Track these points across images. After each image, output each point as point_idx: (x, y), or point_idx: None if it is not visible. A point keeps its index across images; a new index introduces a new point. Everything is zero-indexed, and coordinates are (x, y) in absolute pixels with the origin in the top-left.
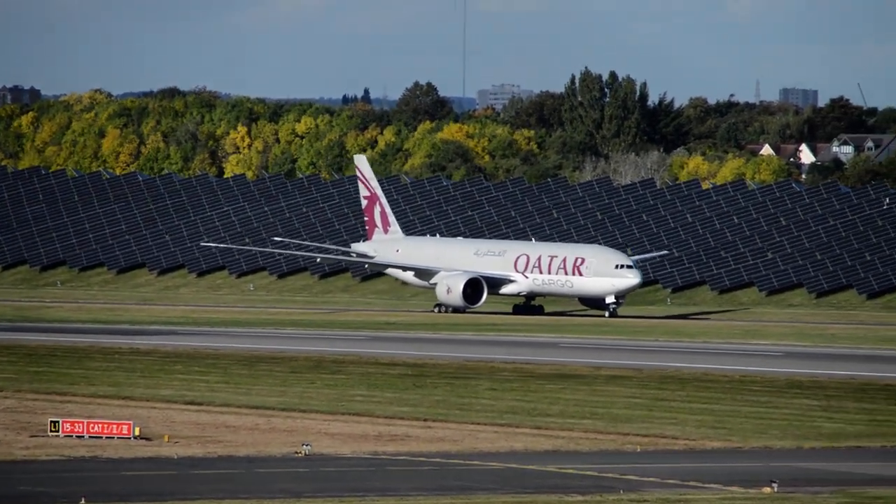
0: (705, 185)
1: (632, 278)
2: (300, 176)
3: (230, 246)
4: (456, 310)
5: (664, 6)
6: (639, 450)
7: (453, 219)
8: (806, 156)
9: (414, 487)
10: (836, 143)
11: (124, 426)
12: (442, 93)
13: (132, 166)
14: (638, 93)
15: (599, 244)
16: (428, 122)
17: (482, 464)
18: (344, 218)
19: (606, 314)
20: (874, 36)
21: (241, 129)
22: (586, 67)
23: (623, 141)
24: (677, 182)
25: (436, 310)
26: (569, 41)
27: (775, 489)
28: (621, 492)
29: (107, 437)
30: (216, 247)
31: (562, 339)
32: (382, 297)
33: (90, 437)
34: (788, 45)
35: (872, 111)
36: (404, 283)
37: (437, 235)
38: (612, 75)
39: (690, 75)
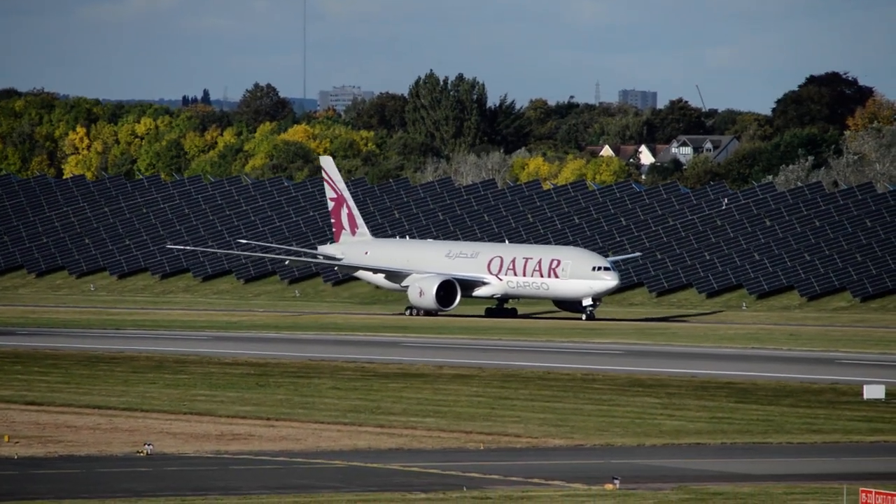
0: (546, 186)
1: (609, 280)
2: (140, 177)
3: (196, 248)
4: (428, 312)
5: (504, 9)
6: (482, 448)
7: (295, 219)
8: (645, 157)
9: (257, 486)
10: (675, 144)
11: None
12: (282, 94)
13: None
14: (476, 94)
15: (576, 246)
16: (268, 123)
17: (326, 462)
18: (185, 219)
19: (583, 317)
20: (712, 38)
21: (80, 130)
22: (431, 70)
23: (463, 142)
24: (518, 183)
25: (407, 312)
26: (410, 43)
27: (617, 486)
28: (464, 489)
29: None
30: (182, 249)
31: (404, 338)
32: (224, 297)
33: None
34: (627, 47)
35: (711, 113)
36: (377, 286)
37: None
38: (460, 77)
39: (531, 77)
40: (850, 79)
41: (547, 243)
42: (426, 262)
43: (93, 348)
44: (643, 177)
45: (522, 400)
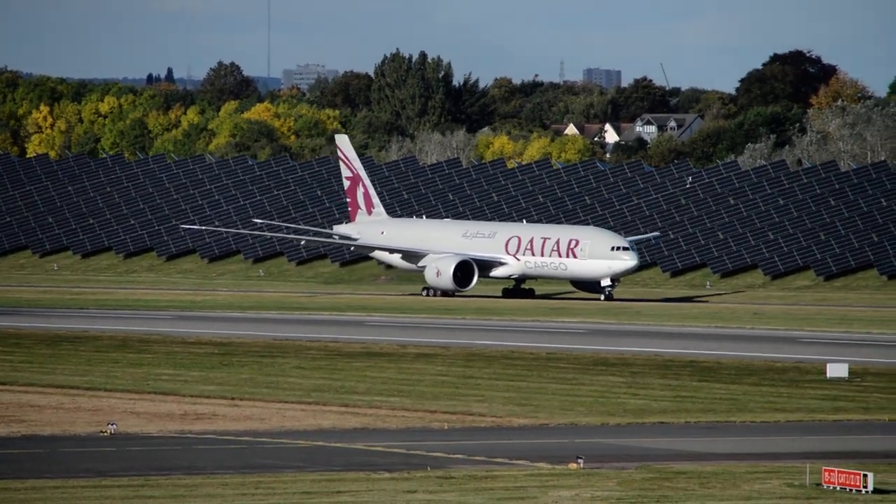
0: (511, 165)
1: (628, 260)
2: (103, 156)
3: (211, 228)
4: (445, 293)
5: None
6: (446, 427)
7: (259, 198)
8: (610, 135)
9: (221, 466)
10: (639, 122)
11: None
12: (246, 72)
13: None
14: (442, 73)
15: (594, 226)
16: (232, 101)
17: (290, 442)
18: (149, 198)
19: (602, 297)
20: (676, 16)
21: (44, 109)
22: (398, 49)
23: (428, 121)
24: (483, 161)
25: (424, 293)
26: (374, 21)
27: (581, 465)
28: (429, 469)
29: None
30: (197, 229)
31: (369, 317)
32: (188, 276)
33: None
34: (591, 25)
35: (675, 91)
36: (389, 265)
37: (241, 213)
38: (422, 55)
39: (495, 56)
40: (813, 57)
41: (511, 221)
42: (443, 242)
43: (56, 328)
44: (607, 155)
45: (486, 379)
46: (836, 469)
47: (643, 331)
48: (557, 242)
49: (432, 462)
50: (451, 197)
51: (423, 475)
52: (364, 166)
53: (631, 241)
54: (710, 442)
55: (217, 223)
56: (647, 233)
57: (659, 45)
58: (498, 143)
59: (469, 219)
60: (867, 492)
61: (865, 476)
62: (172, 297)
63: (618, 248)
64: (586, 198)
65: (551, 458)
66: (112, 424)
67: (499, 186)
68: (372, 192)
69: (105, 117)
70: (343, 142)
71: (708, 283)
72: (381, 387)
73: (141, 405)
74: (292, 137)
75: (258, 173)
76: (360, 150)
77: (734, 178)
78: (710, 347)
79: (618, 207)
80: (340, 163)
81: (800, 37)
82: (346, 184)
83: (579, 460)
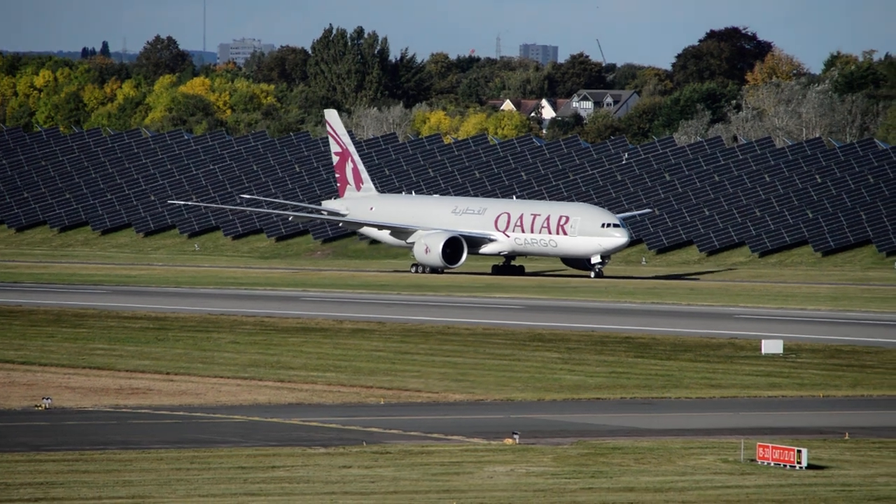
0: (447, 140)
1: (619, 237)
2: (38, 129)
3: (197, 203)
4: (434, 270)
5: None
6: (382, 402)
7: (195, 173)
8: (546, 111)
9: (156, 440)
10: (575, 98)
11: None
12: (182, 47)
13: None
14: (379, 48)
15: (585, 202)
16: (168, 75)
17: (225, 417)
18: (84, 172)
19: (592, 274)
20: None
21: None
22: (331, 24)
23: (365, 96)
24: (419, 137)
25: (413, 269)
26: None
27: (517, 440)
28: (364, 444)
29: None
30: (184, 204)
31: (304, 293)
32: (124, 250)
33: None
34: (528, 0)
35: (611, 67)
36: (384, 243)
37: (188, 188)
38: (359, 30)
39: (432, 31)
40: (749, 34)
41: (447, 195)
42: (432, 219)
43: None
44: (544, 131)
45: (423, 355)
46: (771, 445)
47: (579, 307)
48: (547, 219)
49: (368, 437)
50: (387, 172)
51: (359, 450)
52: (300, 141)
53: (621, 218)
54: (645, 418)
55: (153, 197)
56: None
57: (595, 21)
58: (434, 118)
59: (405, 192)
60: (801, 467)
61: (800, 452)
62: (108, 272)
63: (608, 225)
64: (522, 173)
65: (487, 434)
66: (47, 399)
67: (435, 162)
68: (361, 167)
69: (40, 91)
70: (332, 116)
71: (643, 259)
72: (316, 362)
73: (76, 380)
74: (228, 112)
75: (194, 148)
76: (296, 126)
77: (670, 155)
78: (645, 323)
79: (554, 183)
80: (329, 138)
81: (736, 13)
82: (335, 159)
83: (515, 436)
